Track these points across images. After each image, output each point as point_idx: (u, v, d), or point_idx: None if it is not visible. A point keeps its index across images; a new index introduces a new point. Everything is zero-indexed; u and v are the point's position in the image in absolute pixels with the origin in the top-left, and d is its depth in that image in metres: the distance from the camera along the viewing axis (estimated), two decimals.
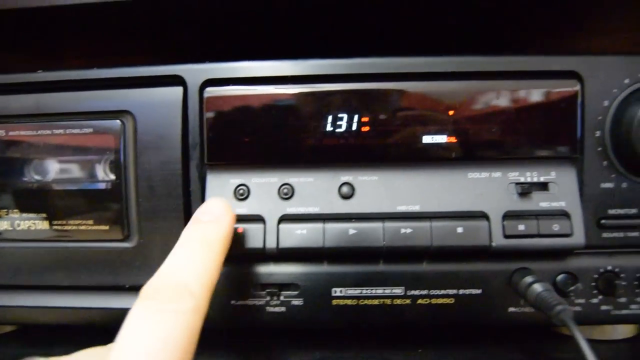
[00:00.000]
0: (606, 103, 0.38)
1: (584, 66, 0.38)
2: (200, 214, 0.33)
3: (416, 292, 0.39)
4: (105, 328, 0.39)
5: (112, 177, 0.39)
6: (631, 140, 0.37)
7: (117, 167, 0.39)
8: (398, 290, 0.39)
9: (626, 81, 0.38)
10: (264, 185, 0.38)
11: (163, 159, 0.38)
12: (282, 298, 0.39)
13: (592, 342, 0.43)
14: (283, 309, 0.39)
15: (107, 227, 0.39)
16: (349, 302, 0.39)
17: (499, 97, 0.38)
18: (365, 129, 0.38)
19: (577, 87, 0.38)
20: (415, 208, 0.38)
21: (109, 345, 0.27)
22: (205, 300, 0.28)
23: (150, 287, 0.28)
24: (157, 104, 0.39)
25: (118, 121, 0.39)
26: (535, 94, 0.38)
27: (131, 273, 0.40)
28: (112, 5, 0.39)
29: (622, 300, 0.40)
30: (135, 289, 0.41)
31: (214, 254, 0.31)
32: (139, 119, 0.39)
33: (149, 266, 0.40)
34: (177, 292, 0.27)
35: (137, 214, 0.39)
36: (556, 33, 0.53)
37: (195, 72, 0.38)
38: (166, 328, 0.25)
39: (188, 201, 0.39)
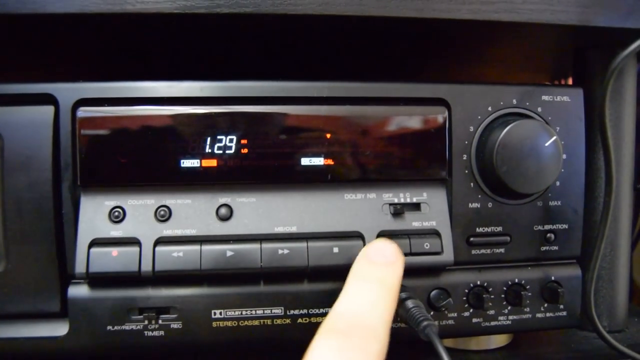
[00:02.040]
0: (471, 129, 0.41)
1: (450, 94, 0.40)
2: (373, 255, 0.33)
3: (296, 312, 0.39)
4: None
5: None
6: (493, 164, 0.39)
7: None
8: (278, 311, 0.39)
9: (489, 108, 0.41)
10: (140, 207, 0.38)
11: (32, 181, 0.37)
12: (160, 322, 0.38)
13: (470, 353, 0.47)
14: (162, 332, 0.38)
15: None
16: (229, 323, 0.39)
17: (373, 122, 0.39)
18: (244, 150, 0.38)
19: (445, 114, 0.40)
20: (293, 229, 0.38)
21: None
22: (386, 347, 0.28)
23: (341, 322, 0.28)
24: (26, 123, 0.37)
25: None
26: (407, 119, 0.40)
27: None
28: None
29: (491, 312, 0.42)
30: (3, 317, 0.39)
31: (392, 300, 0.31)
32: (6, 138, 0.37)
33: (17, 293, 0.38)
34: (366, 333, 0.27)
35: (4, 238, 0.37)
36: (436, 63, 0.56)
37: (67, 90, 0.37)
38: None
39: (60, 224, 0.37)
